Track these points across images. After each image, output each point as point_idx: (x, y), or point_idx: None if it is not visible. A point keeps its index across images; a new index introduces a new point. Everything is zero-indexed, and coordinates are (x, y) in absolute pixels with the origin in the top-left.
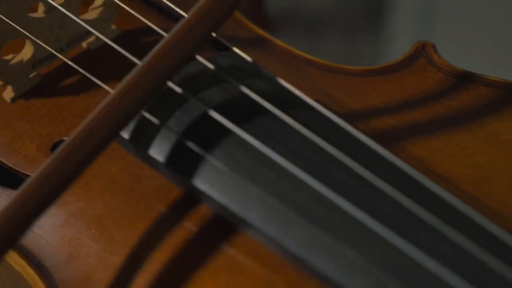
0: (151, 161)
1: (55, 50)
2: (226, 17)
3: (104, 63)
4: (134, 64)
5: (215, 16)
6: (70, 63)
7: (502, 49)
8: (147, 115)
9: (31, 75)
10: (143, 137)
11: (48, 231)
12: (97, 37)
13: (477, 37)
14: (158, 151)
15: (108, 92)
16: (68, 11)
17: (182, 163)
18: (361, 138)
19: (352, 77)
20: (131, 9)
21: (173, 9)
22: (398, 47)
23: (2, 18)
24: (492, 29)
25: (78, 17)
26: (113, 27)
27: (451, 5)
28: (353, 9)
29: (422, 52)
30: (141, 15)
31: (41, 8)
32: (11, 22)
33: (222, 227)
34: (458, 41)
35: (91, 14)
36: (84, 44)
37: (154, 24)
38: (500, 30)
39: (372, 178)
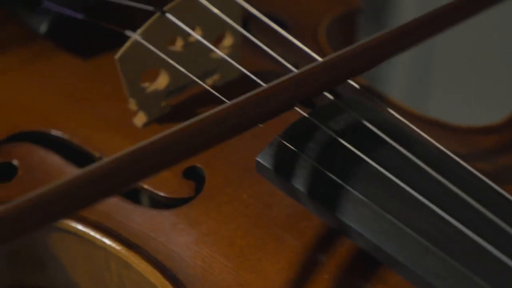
0: (286, 188)
1: (187, 84)
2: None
3: (234, 94)
4: None
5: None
6: (208, 88)
7: (508, 52)
8: (288, 145)
9: (162, 104)
10: (278, 161)
11: (181, 248)
12: (222, 76)
13: (481, 39)
14: (302, 184)
15: None
16: (203, 47)
17: (324, 195)
18: (483, 178)
19: (466, 135)
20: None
21: (286, 57)
22: (398, 70)
23: (148, 46)
24: (496, 31)
25: (214, 51)
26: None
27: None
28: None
29: None
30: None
31: (179, 42)
32: (157, 51)
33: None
34: (458, 44)
35: (221, 52)
36: (209, 81)
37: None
38: (504, 34)
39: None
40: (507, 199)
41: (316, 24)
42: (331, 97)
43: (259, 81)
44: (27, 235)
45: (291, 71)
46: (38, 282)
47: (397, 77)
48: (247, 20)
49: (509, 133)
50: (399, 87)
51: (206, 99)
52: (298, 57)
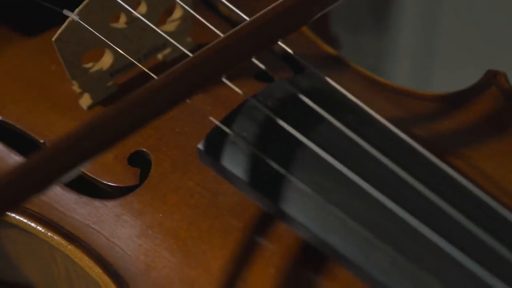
0: (228, 176)
1: (134, 60)
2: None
3: None
4: None
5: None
6: (149, 72)
7: (508, 49)
8: (223, 127)
9: (108, 84)
10: (219, 149)
11: (124, 241)
12: (173, 49)
13: (482, 36)
14: (235, 166)
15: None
16: (149, 22)
17: (265, 183)
18: (433, 160)
19: (423, 102)
20: (206, 22)
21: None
22: (402, 45)
23: (86, 27)
24: (496, 27)
25: (158, 29)
26: (189, 39)
27: (457, 2)
28: (358, 5)
29: (493, 81)
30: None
31: (122, 18)
32: (94, 31)
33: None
34: (463, 40)
35: (169, 27)
36: (160, 56)
37: None
38: (504, 29)
39: (446, 206)
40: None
41: None
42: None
43: None
44: None
45: None
46: None
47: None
48: None
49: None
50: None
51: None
52: None
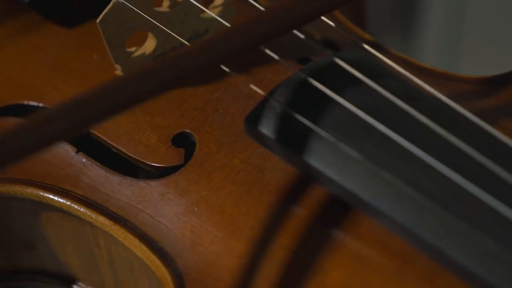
0: (275, 147)
1: (177, 46)
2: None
3: None
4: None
5: None
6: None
7: None
8: (279, 105)
9: None
10: (267, 121)
11: (169, 219)
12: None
13: (506, 41)
14: (283, 135)
15: (225, 81)
16: (192, 6)
17: (321, 156)
18: (486, 128)
19: (469, 85)
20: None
21: None
22: (427, 48)
23: (131, 8)
24: None
25: (202, 13)
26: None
27: (481, 7)
28: (382, 9)
29: None
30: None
31: (166, 2)
32: (142, 13)
33: (350, 216)
34: (487, 44)
35: (212, 12)
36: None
37: None
38: None
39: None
40: (501, 141)
41: None
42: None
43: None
44: None
45: None
46: (27, 263)
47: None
48: None
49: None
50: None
51: None
52: None
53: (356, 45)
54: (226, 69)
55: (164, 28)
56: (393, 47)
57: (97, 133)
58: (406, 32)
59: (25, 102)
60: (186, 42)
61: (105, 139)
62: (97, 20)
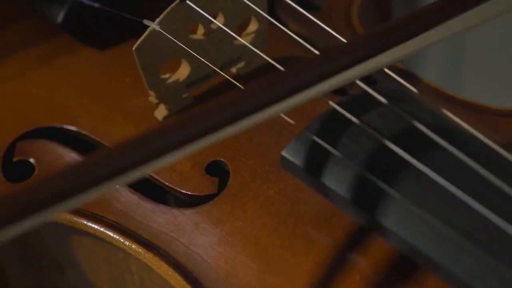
0: (311, 182)
1: (210, 73)
2: None
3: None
4: None
5: None
6: (229, 78)
7: None
8: (318, 140)
9: (184, 95)
10: (317, 164)
11: (204, 249)
12: (247, 63)
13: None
14: (336, 182)
15: None
16: (226, 34)
17: (361, 195)
18: None
19: (499, 118)
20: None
21: (315, 39)
22: (429, 58)
23: (167, 36)
24: None
25: (236, 40)
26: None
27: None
28: None
29: None
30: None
31: (200, 30)
32: (176, 41)
33: (398, 263)
34: (489, 53)
35: (245, 39)
36: (234, 70)
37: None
38: None
39: None
40: None
41: (348, 4)
42: (363, 86)
43: (281, 68)
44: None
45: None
46: (57, 285)
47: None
48: (274, 3)
49: None
50: (433, 67)
51: (230, 89)
52: (330, 41)
53: (390, 77)
54: None
55: (198, 57)
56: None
57: None
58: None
59: (58, 125)
60: (218, 70)
61: None
62: (133, 48)
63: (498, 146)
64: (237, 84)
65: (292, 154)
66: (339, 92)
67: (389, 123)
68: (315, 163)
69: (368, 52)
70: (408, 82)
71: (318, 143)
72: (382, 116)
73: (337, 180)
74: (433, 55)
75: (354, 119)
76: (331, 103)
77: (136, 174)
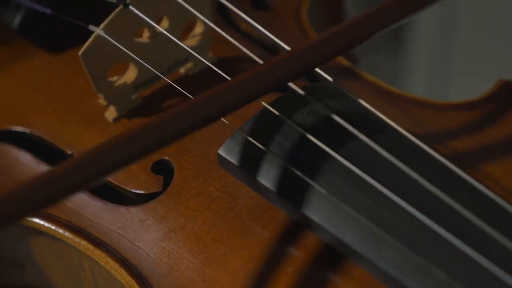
0: (245, 179)
1: (156, 75)
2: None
3: (199, 88)
4: None
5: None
6: (173, 84)
7: None
8: (251, 139)
9: (133, 97)
10: (238, 154)
11: (148, 244)
12: (195, 64)
13: (497, 54)
14: (267, 178)
15: None
16: (172, 37)
17: (288, 190)
18: (445, 163)
19: (438, 111)
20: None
21: (265, 39)
22: (418, 64)
23: (111, 41)
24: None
25: (181, 43)
26: (210, 54)
27: (471, 21)
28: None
29: (504, 91)
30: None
31: (146, 33)
32: (121, 46)
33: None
34: (477, 58)
35: (191, 41)
36: (182, 70)
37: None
38: None
39: (454, 203)
40: (471, 185)
41: (299, 2)
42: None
43: (222, 73)
44: None
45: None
46: (16, 281)
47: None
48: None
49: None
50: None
51: (178, 91)
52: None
53: (331, 71)
54: None
55: (141, 62)
56: (383, 67)
57: None
58: (396, 52)
59: (12, 128)
60: (161, 75)
61: None
62: (79, 53)
63: (417, 137)
64: (179, 88)
65: (227, 152)
66: (281, 89)
67: (314, 120)
68: (248, 160)
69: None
70: (352, 78)
71: (250, 141)
72: (309, 113)
73: (267, 176)
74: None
75: (282, 117)
76: (263, 103)
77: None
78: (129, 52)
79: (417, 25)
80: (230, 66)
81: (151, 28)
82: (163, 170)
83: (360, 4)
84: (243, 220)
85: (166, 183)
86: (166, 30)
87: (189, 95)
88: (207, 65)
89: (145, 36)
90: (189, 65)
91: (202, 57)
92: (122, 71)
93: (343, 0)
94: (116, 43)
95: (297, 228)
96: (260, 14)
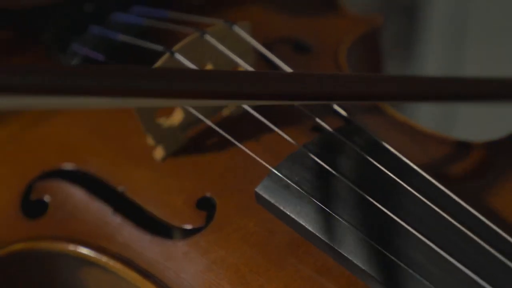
0: (281, 216)
1: (203, 116)
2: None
3: (242, 128)
4: (270, 129)
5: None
6: (215, 128)
7: None
8: (277, 173)
9: (179, 137)
10: (274, 192)
11: (191, 276)
12: (238, 106)
13: (508, 66)
14: (301, 216)
15: (243, 151)
16: None
17: (310, 220)
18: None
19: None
20: None
21: None
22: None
23: None
24: None
25: None
26: None
27: (481, 32)
28: (382, 36)
29: None
30: None
31: None
32: None
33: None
34: (488, 69)
35: None
36: (227, 111)
37: None
38: None
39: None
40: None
41: (337, 45)
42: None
43: (262, 119)
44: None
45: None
46: None
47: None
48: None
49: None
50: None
51: (223, 129)
52: None
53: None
54: (239, 145)
55: (191, 109)
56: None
57: (131, 196)
58: (405, 62)
59: (67, 166)
60: (205, 119)
61: (137, 201)
62: None
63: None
64: (220, 131)
65: (264, 191)
66: (316, 129)
67: (347, 160)
68: (282, 198)
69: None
70: (376, 113)
71: (284, 180)
72: (342, 155)
73: (301, 213)
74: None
75: (316, 159)
76: (298, 145)
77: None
78: None
79: (426, 39)
80: (269, 109)
81: None
82: (207, 206)
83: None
84: (279, 253)
85: (209, 218)
86: None
87: (229, 137)
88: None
89: None
90: (232, 107)
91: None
92: (169, 113)
93: (380, 48)
94: None
95: (329, 261)
96: (302, 57)
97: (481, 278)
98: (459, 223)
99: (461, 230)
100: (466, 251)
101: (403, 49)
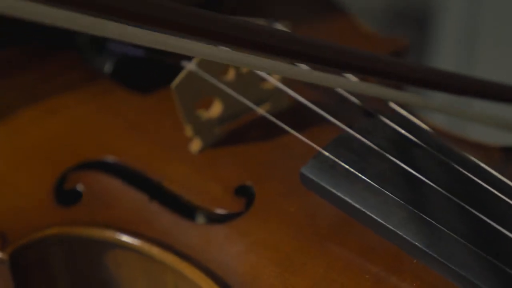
0: (327, 196)
1: (239, 112)
2: None
3: (283, 119)
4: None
5: None
6: (263, 112)
7: None
8: (325, 152)
9: (216, 130)
10: (332, 179)
11: (232, 257)
12: (272, 105)
13: None
14: (350, 195)
15: (281, 140)
16: (255, 77)
17: (357, 196)
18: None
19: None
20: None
21: None
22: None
23: (204, 76)
24: None
25: (262, 84)
26: (286, 98)
27: (492, 44)
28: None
29: None
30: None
31: (231, 72)
32: (213, 80)
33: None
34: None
35: (270, 85)
36: (261, 110)
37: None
38: None
39: None
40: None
41: None
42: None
43: (312, 106)
44: None
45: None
46: None
47: None
48: None
49: None
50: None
51: (258, 126)
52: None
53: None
54: (287, 128)
55: (234, 94)
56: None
57: (168, 185)
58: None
59: (103, 158)
60: (251, 105)
61: (175, 190)
62: (172, 85)
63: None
64: (270, 117)
65: (310, 171)
66: (366, 113)
67: (394, 145)
68: (330, 177)
69: None
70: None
71: (330, 159)
72: (391, 140)
73: (347, 190)
74: None
75: (361, 138)
76: (345, 128)
77: None
78: (219, 85)
79: (438, 46)
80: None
81: (237, 67)
82: (246, 193)
83: None
84: (321, 235)
85: (248, 204)
86: (249, 72)
87: (275, 120)
88: (283, 108)
89: (231, 75)
90: (266, 106)
91: (279, 100)
92: (206, 106)
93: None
94: (207, 77)
95: (373, 239)
96: None
97: None
98: None
99: None
100: None
101: (415, 56)
